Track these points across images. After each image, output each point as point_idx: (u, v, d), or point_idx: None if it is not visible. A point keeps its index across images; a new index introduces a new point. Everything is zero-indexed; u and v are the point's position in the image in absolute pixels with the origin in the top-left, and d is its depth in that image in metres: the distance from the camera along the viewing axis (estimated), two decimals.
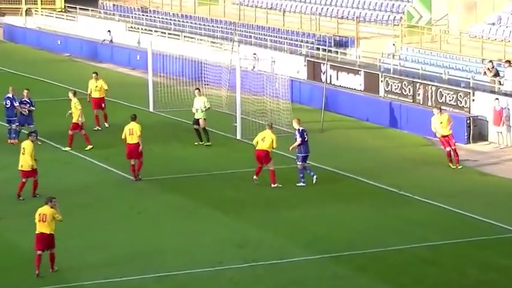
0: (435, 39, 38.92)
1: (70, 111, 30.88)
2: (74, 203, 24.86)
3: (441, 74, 35.53)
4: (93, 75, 34.21)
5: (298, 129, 26.71)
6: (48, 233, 20.00)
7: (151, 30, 51.71)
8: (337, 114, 36.56)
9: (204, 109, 31.29)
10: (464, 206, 24.59)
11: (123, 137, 27.11)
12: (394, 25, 41.90)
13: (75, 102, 30.66)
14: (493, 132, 32.04)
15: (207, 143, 31.17)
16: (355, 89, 38.05)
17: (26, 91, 31.93)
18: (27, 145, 25.30)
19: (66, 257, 21.01)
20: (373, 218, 23.90)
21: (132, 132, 26.87)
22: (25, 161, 25.13)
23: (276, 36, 44.81)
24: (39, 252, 19.94)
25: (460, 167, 28.78)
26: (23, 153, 25.20)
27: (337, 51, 41.31)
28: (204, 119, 31.32)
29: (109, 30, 53.14)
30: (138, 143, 26.82)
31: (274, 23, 46.92)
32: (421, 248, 21.59)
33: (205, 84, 39.25)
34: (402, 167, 29.14)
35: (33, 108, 31.67)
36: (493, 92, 33.14)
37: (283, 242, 22.01)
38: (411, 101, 35.46)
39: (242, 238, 22.30)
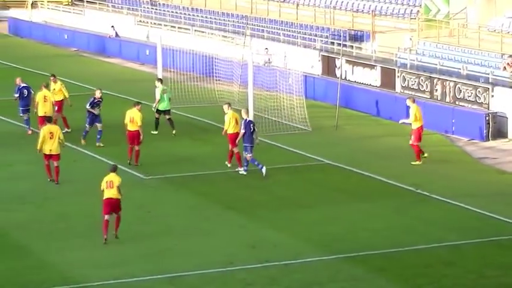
0: (453, 34, 38.40)
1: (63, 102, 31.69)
2: (82, 202, 24.55)
3: (459, 69, 34.99)
4: (51, 78, 32.18)
5: (245, 120, 26.95)
6: (115, 198, 21.99)
7: (160, 24, 51.28)
8: (353, 110, 36.02)
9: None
10: (484, 205, 24.19)
11: (125, 122, 27.99)
12: (411, 19, 41.41)
13: (60, 85, 31.59)
14: None
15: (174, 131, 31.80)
16: (370, 84, 37.49)
17: (99, 90, 30.72)
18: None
19: (74, 256, 20.83)
20: (390, 218, 23.48)
21: (132, 120, 27.79)
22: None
23: (289, 30, 44.31)
24: (106, 217, 21.84)
25: (416, 163, 28.32)
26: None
27: (352, 46, 40.78)
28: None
29: (113, 26, 52.64)
30: (138, 130, 27.77)
31: (287, 16, 46.42)
32: (440, 248, 21.24)
33: (216, 80, 38.78)
34: (419, 165, 28.58)
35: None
36: None
37: (297, 242, 21.67)
38: (429, 97, 34.95)
39: (255, 238, 21.99)
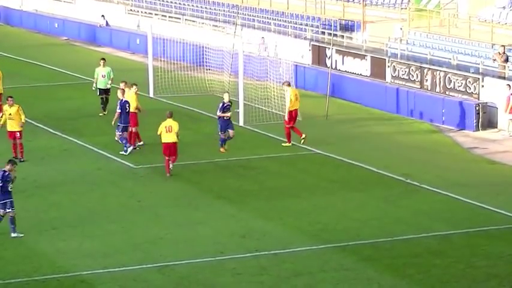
0: (444, 23, 38.36)
1: None
2: (72, 191, 24.61)
3: (450, 59, 34.98)
4: (9, 99, 28.01)
5: (121, 100, 27.76)
6: (173, 141, 25.32)
7: (151, 13, 51.12)
8: (343, 100, 36.01)
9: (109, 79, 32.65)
10: (473, 195, 24.22)
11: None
12: (402, 9, 41.34)
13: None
14: (504, 120, 31.44)
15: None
16: (361, 74, 37.47)
17: (227, 94, 28.63)
18: None
19: (63, 246, 20.77)
20: (380, 208, 23.49)
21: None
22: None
23: (280, 20, 44.22)
24: (166, 157, 25.35)
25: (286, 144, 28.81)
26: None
27: (342, 36, 40.72)
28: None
29: (103, 15, 52.47)
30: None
31: (278, 6, 46.31)
32: (429, 238, 21.24)
33: (207, 69, 38.69)
34: (409, 155, 28.65)
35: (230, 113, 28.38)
36: (502, 77, 32.54)
37: (287, 232, 21.66)
38: (419, 87, 34.94)
39: (245, 228, 21.98)
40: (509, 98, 31.04)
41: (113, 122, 27.97)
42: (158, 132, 26.01)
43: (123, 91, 28.45)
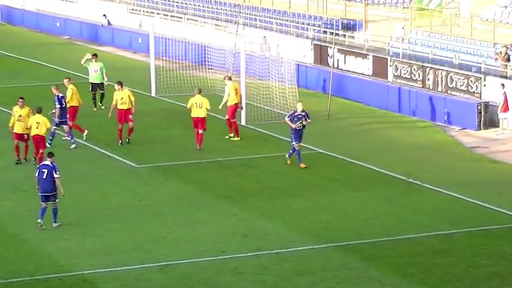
0: (445, 23, 38.33)
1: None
2: (74, 190, 24.52)
3: (451, 58, 34.95)
4: (20, 100, 27.08)
5: (58, 96, 28.44)
6: (202, 116, 27.79)
7: (153, 13, 51.09)
8: (345, 99, 35.98)
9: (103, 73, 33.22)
10: (475, 194, 24.20)
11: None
12: (404, 8, 41.32)
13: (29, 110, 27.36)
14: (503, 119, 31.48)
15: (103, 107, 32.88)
16: (363, 73, 37.45)
17: (300, 103, 26.89)
18: None
19: (65, 245, 20.77)
20: (382, 207, 23.46)
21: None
22: None
23: (282, 19, 44.20)
24: (196, 130, 28.00)
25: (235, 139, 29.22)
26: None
27: (344, 35, 40.71)
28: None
29: (104, 15, 52.49)
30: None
31: (280, 5, 46.28)
32: (431, 237, 21.22)
33: (209, 68, 38.67)
34: (411, 154, 28.63)
35: (309, 121, 26.69)
36: (504, 77, 32.52)
37: (289, 231, 21.64)
38: (421, 86, 34.91)
39: (247, 227, 21.95)
40: (504, 97, 31.07)
41: (56, 118, 28.44)
42: (188, 107, 28.39)
43: (56, 87, 28.86)
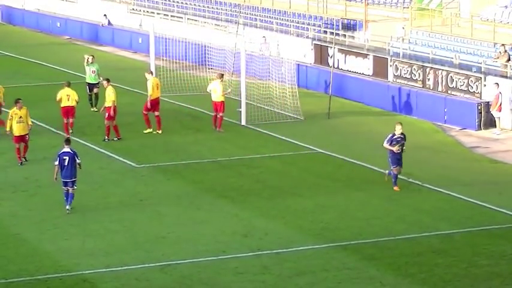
0: (446, 23, 38.34)
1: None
2: (76, 191, 24.36)
3: (452, 58, 34.97)
4: (19, 102, 27.06)
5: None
6: (220, 101, 30.15)
7: (153, 12, 51.11)
8: (345, 99, 35.99)
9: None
10: (475, 194, 24.20)
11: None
12: (404, 8, 41.35)
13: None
14: (502, 118, 31.46)
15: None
16: (363, 73, 37.45)
17: (399, 125, 24.69)
18: None
19: (66, 245, 20.77)
20: (382, 207, 23.46)
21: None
22: None
23: (282, 19, 44.22)
24: (215, 113, 30.43)
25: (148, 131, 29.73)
26: None
27: (345, 35, 40.72)
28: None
29: (105, 14, 52.50)
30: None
31: (280, 5, 46.31)
32: (431, 237, 21.22)
33: (209, 68, 38.68)
34: (411, 154, 28.56)
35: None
36: (504, 76, 32.53)
37: (289, 231, 21.64)
38: (421, 86, 34.92)
39: (247, 227, 21.95)
40: (498, 97, 31.11)
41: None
42: (208, 90, 30.92)
43: None
